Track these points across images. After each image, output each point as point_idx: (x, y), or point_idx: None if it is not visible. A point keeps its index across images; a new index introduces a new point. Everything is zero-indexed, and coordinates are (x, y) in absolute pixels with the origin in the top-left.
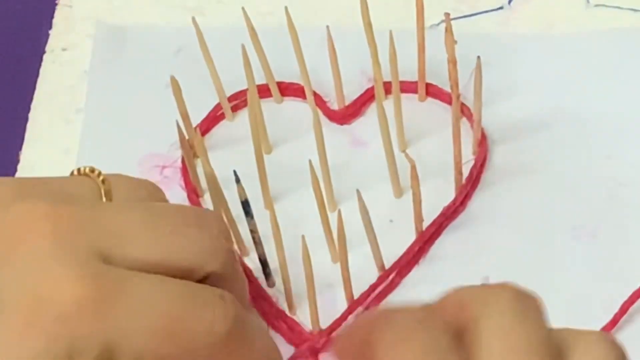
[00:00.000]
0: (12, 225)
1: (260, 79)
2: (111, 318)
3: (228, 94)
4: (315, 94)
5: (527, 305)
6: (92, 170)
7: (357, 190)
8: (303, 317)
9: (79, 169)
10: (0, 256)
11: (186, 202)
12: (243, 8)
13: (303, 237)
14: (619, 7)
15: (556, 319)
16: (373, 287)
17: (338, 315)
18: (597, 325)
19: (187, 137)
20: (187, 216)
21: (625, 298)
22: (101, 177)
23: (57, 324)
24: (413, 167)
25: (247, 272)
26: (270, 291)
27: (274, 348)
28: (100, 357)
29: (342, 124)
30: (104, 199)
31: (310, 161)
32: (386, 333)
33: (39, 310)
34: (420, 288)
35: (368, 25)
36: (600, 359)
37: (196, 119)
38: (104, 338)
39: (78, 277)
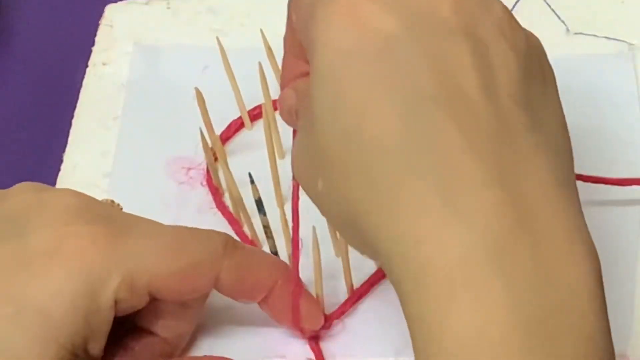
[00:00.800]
0: (39, 203)
1: (277, 93)
2: (125, 245)
3: (249, 106)
4: None
5: None
6: (112, 202)
7: None
8: None
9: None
10: (31, 221)
11: (208, 199)
12: (261, 30)
13: (314, 227)
14: (595, 35)
15: None
16: (371, 279)
17: (339, 302)
18: None
19: (209, 143)
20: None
21: None
22: (120, 207)
23: (74, 258)
24: None
25: None
26: None
27: (275, 267)
28: (123, 284)
29: None
30: None
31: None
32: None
33: (61, 248)
34: None
35: None
36: None
37: (220, 127)
38: (121, 266)
39: (94, 221)
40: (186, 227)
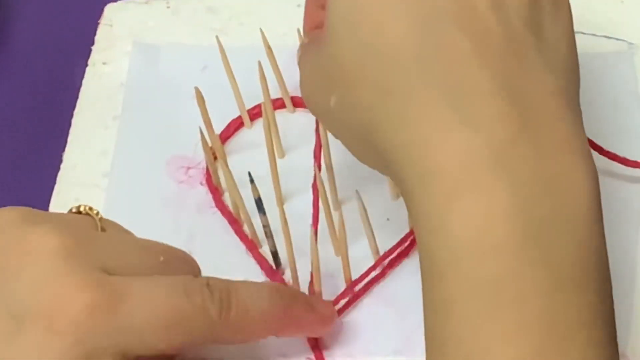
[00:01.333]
0: (24, 245)
1: (277, 92)
2: (120, 318)
3: (248, 105)
4: None
5: None
6: (91, 208)
7: (356, 191)
8: None
9: (78, 207)
10: (12, 271)
11: (208, 199)
12: (261, 29)
13: (312, 229)
14: (594, 35)
15: None
16: (367, 274)
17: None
18: None
19: (209, 142)
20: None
21: None
22: (99, 216)
23: (72, 329)
24: None
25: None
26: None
27: (269, 310)
28: (118, 355)
29: None
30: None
31: (315, 165)
32: None
33: (55, 319)
34: (409, 277)
35: None
36: None
37: (220, 126)
38: (117, 337)
39: (87, 287)
40: (185, 290)
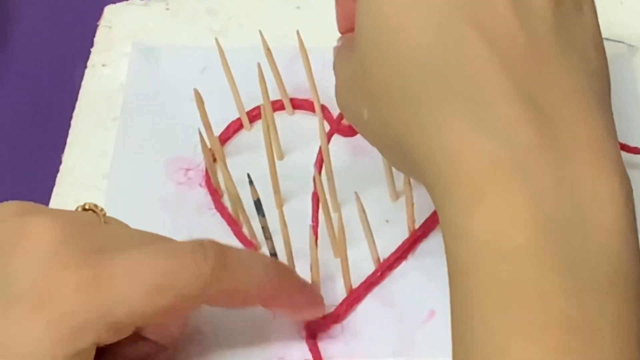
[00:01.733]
0: (20, 231)
1: (276, 94)
2: (105, 289)
3: (248, 107)
4: (325, 108)
5: None
6: (96, 205)
7: (356, 193)
8: None
9: (83, 206)
10: (7, 256)
11: (207, 200)
12: (260, 31)
13: (310, 228)
14: None
15: None
16: (368, 279)
17: (337, 303)
18: None
19: (208, 144)
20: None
21: None
22: (103, 212)
23: (57, 305)
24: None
25: None
26: None
27: (262, 278)
28: (106, 329)
29: (346, 136)
30: None
31: (314, 166)
32: None
33: (43, 296)
34: (408, 279)
35: None
36: None
37: (219, 128)
38: (104, 309)
39: (78, 265)
40: (173, 252)
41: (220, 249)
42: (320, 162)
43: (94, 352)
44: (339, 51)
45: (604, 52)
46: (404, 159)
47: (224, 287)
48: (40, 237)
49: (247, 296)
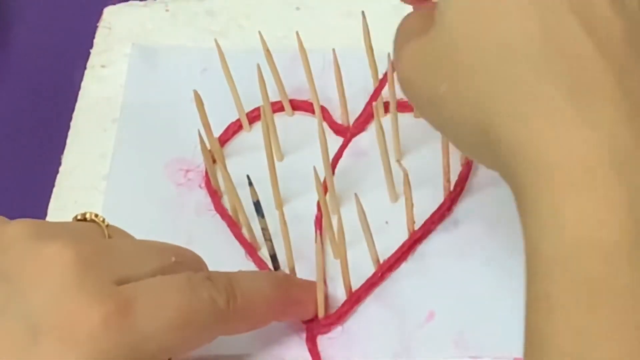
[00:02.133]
0: (38, 260)
1: (276, 95)
2: (133, 326)
3: (247, 108)
4: (324, 109)
5: None
6: (97, 215)
7: (355, 195)
8: None
9: (84, 215)
10: (28, 284)
11: (207, 201)
12: (259, 32)
13: (316, 234)
14: None
15: None
16: (368, 281)
17: (337, 305)
18: None
19: (208, 145)
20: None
21: None
22: (105, 223)
23: (87, 340)
24: (406, 175)
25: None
26: None
27: (271, 295)
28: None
29: (346, 137)
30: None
31: (314, 167)
32: None
33: (71, 331)
34: (408, 280)
35: (370, 50)
36: None
37: (219, 129)
38: (132, 344)
39: (101, 299)
40: (189, 284)
41: (227, 279)
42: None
43: None
44: (409, 27)
45: None
46: (481, 142)
47: (239, 314)
48: (59, 265)
49: (260, 316)
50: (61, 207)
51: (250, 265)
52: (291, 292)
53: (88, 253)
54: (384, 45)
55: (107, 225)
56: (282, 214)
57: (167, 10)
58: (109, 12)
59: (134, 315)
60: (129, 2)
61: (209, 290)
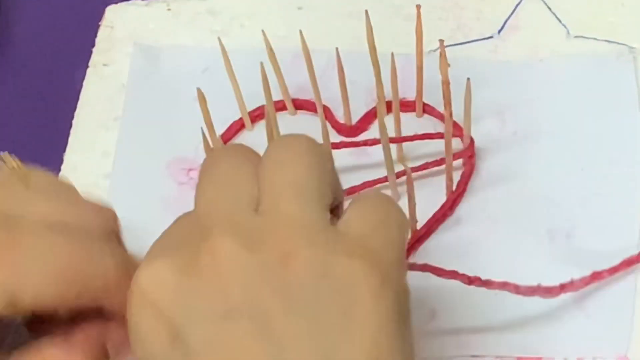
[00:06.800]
0: None
1: (278, 95)
2: (10, 265)
3: (249, 107)
4: (327, 109)
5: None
6: (13, 159)
7: (359, 194)
8: None
9: None
10: None
11: None
12: (263, 31)
13: None
14: (595, 39)
15: (530, 311)
16: None
17: None
18: (570, 320)
19: (210, 144)
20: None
21: (594, 294)
22: (22, 171)
23: None
24: (409, 175)
25: None
26: None
27: None
28: (7, 305)
29: (348, 137)
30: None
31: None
32: None
33: None
34: (410, 279)
35: (373, 49)
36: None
37: (221, 128)
38: (6, 285)
39: None
40: (84, 241)
41: (127, 260)
42: None
43: None
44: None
45: None
46: None
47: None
48: None
49: None
50: None
51: None
52: None
53: None
54: (386, 45)
55: (25, 174)
56: None
57: (168, 10)
58: (110, 11)
59: (13, 254)
60: (131, 1)
61: (103, 258)
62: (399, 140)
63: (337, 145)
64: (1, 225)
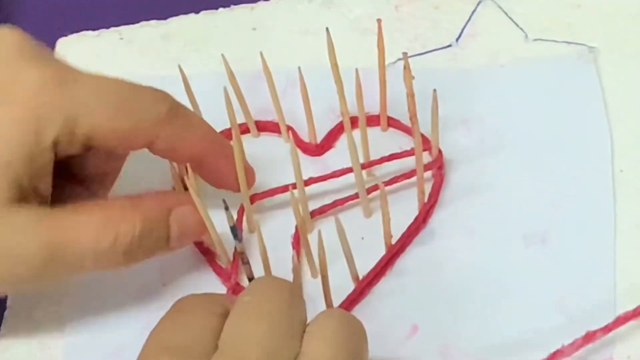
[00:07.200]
0: None
1: (239, 118)
2: (70, 93)
3: None
4: (291, 129)
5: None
6: None
7: (336, 217)
8: None
9: None
10: None
11: None
12: (223, 55)
13: (293, 254)
14: (554, 41)
15: (511, 319)
16: (349, 298)
17: None
18: (551, 325)
19: (177, 171)
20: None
21: (574, 296)
22: None
23: (25, 96)
24: (382, 190)
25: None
26: None
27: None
28: (64, 127)
29: (314, 156)
30: None
31: (290, 188)
32: None
33: (9, 91)
34: (388, 295)
35: (335, 66)
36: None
37: None
38: (65, 110)
39: (43, 65)
40: (135, 86)
41: (177, 105)
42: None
43: (52, 157)
44: None
45: None
46: None
47: (171, 133)
48: (9, 38)
49: (187, 154)
50: None
51: (224, 292)
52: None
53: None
54: (344, 61)
55: None
56: (260, 237)
57: (121, 38)
58: (62, 43)
59: (71, 84)
60: (82, 33)
61: (154, 93)
62: (370, 165)
63: (307, 182)
64: (62, 64)
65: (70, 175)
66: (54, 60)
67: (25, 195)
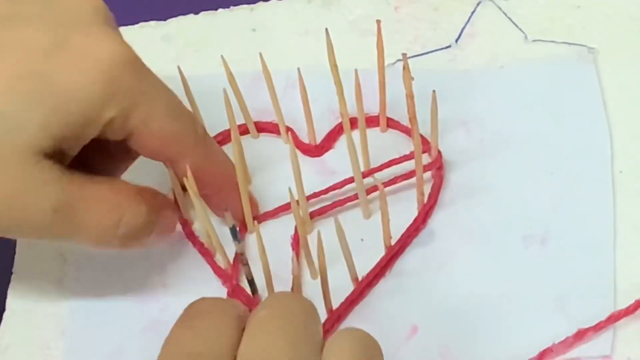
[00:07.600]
0: None
1: (239, 119)
2: (138, 78)
3: (212, 132)
4: (290, 130)
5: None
6: None
7: (336, 218)
8: None
9: None
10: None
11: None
12: (222, 56)
13: (293, 255)
14: (554, 42)
15: (511, 319)
16: (348, 299)
17: None
18: (551, 325)
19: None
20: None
21: (573, 297)
22: None
23: (100, 64)
24: (382, 191)
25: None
26: None
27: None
28: (123, 109)
29: (313, 157)
30: None
31: (290, 189)
32: None
33: (94, 52)
34: (387, 296)
35: (334, 67)
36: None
37: None
38: (131, 95)
39: (116, 37)
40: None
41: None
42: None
43: (97, 133)
44: None
45: None
46: None
47: (201, 157)
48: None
49: (212, 178)
50: None
51: (223, 293)
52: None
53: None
54: (344, 62)
55: None
56: (260, 238)
57: None
58: None
59: (147, 75)
60: None
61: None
62: (369, 173)
63: (312, 196)
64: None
65: (83, 157)
66: (120, 34)
67: (54, 153)
